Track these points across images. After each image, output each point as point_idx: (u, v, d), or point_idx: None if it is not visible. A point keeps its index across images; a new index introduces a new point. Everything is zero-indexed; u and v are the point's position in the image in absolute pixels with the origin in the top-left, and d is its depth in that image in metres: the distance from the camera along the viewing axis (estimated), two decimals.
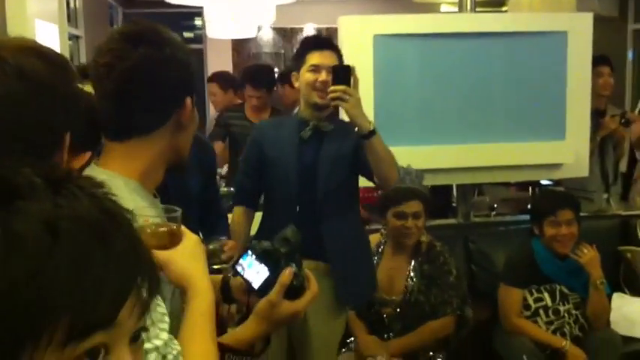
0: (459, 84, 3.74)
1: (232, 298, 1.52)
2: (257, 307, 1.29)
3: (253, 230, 2.70)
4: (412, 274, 2.96)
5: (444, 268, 2.96)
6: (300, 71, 2.53)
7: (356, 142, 2.49)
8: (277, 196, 2.60)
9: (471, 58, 3.75)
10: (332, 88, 2.36)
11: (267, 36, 8.20)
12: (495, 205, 4.74)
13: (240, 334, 1.30)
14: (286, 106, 4.66)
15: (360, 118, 2.37)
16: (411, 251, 2.99)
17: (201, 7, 5.18)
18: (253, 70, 4.64)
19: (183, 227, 1.14)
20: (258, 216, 2.73)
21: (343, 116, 2.64)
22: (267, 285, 1.27)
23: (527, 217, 3.82)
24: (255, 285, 1.28)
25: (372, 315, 3.00)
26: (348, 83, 2.36)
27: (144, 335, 0.62)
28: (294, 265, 1.28)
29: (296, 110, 2.92)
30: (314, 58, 2.49)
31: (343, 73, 2.39)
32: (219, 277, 1.52)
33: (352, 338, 2.97)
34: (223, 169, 4.45)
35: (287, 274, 1.26)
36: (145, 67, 1.14)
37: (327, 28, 6.73)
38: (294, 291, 1.27)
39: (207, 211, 2.42)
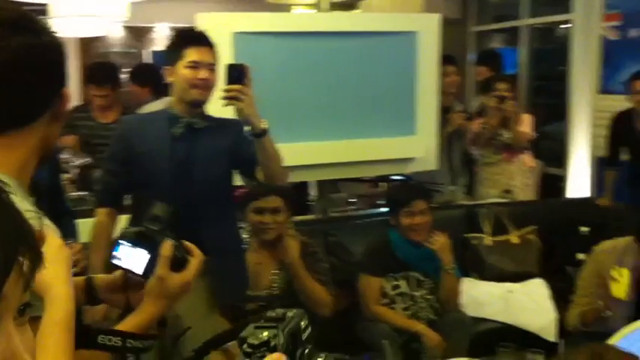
0: (315, 82, 3.83)
1: (98, 299, 1.48)
2: (147, 288, 1.28)
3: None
4: (277, 269, 3.01)
5: (315, 257, 3.04)
6: (175, 66, 2.47)
7: (234, 140, 2.50)
8: (148, 195, 2.54)
9: (327, 56, 3.86)
10: (227, 87, 2.35)
11: (118, 34, 7.95)
12: (353, 200, 4.91)
13: (136, 319, 1.28)
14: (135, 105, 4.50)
15: (254, 117, 2.39)
16: (274, 246, 3.02)
17: (45, 4, 4.91)
18: (95, 68, 4.46)
19: (45, 228, 1.09)
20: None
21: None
22: (151, 265, 1.26)
23: (382, 210, 4.01)
24: (139, 270, 1.27)
25: (237, 311, 3.01)
26: (242, 82, 2.36)
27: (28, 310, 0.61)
28: (170, 239, 1.28)
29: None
30: (193, 54, 2.44)
31: (237, 72, 2.38)
32: (82, 278, 1.47)
33: None
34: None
35: (167, 246, 1.27)
36: (25, 56, 1.09)
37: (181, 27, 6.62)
38: (178, 262, 1.27)
39: (51, 204, 2.30)
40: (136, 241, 1.28)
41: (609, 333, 2.75)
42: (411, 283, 3.19)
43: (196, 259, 1.32)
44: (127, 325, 1.27)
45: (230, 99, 2.36)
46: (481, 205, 4.24)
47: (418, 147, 4.09)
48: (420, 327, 3.10)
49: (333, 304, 3.07)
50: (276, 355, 0.76)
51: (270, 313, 0.85)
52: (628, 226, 3.11)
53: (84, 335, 1.15)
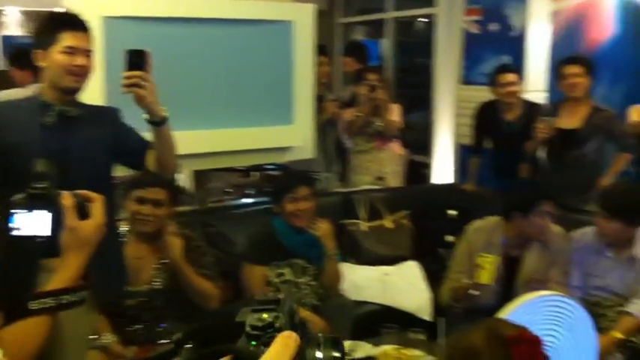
0: (189, 70, 3.75)
1: None
2: (63, 242, 1.27)
3: None
4: (158, 263, 2.92)
5: (199, 251, 2.98)
6: (47, 50, 2.30)
7: (112, 129, 2.38)
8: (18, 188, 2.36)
9: (200, 44, 3.78)
10: (128, 74, 2.22)
11: None
12: (229, 190, 4.86)
13: (63, 275, 1.29)
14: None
15: (156, 105, 2.28)
16: (154, 240, 2.93)
17: None
18: None
19: None
20: None
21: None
22: (56, 223, 1.24)
23: (263, 198, 4.00)
24: (45, 232, 1.23)
25: (115, 308, 2.89)
26: (143, 68, 2.24)
27: None
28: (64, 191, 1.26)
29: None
30: (68, 39, 2.28)
31: (138, 58, 2.25)
32: None
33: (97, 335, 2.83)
34: None
35: (66, 197, 1.26)
36: None
37: (32, 12, 6.23)
38: (82, 210, 1.28)
39: None
40: (31, 204, 1.24)
41: (483, 309, 2.94)
42: (296, 270, 3.21)
43: (97, 201, 1.34)
44: (55, 283, 1.26)
45: (130, 86, 2.24)
46: (356, 191, 4.34)
47: (295, 136, 4.12)
48: (304, 313, 3.12)
49: (219, 296, 3.04)
50: (287, 332, 0.74)
51: (262, 297, 0.83)
52: (492, 210, 3.31)
53: (15, 308, 1.13)
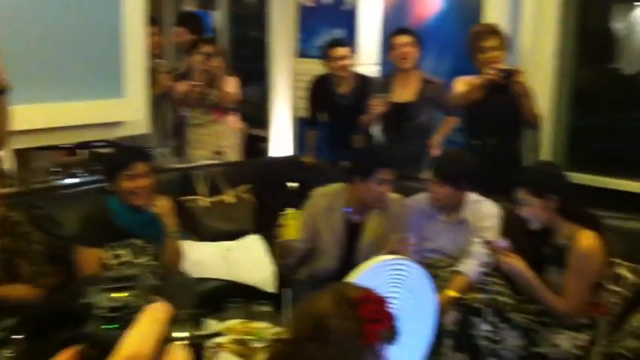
0: (5, 37, 3.42)
1: None
2: None
3: None
4: None
5: (28, 238, 2.74)
6: None
7: None
8: None
9: (18, 9, 3.46)
10: None
11: None
12: (57, 170, 4.54)
13: None
14: None
15: None
16: None
17: None
18: None
19: None
20: None
21: None
22: None
23: (93, 177, 3.77)
24: None
25: None
26: None
27: None
28: None
29: None
30: None
31: None
32: None
33: None
34: None
35: None
36: None
37: None
38: None
39: None
40: None
41: (327, 275, 2.98)
42: (134, 250, 3.05)
43: None
44: None
45: None
46: (194, 167, 4.22)
47: (127, 110, 3.91)
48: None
49: (49, 282, 2.83)
50: (157, 304, 0.64)
51: (113, 274, 0.71)
52: (331, 181, 3.35)
53: None
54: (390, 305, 1.66)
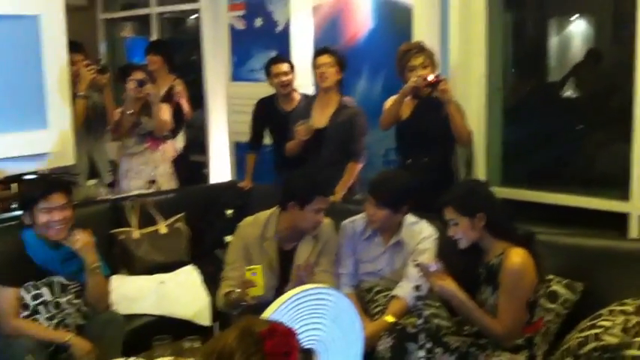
0: None
1: None
2: None
3: None
4: None
5: None
6: None
7: None
8: None
9: None
10: None
11: None
12: None
13: None
14: None
15: None
16: None
17: None
18: None
19: None
20: None
21: None
22: None
23: (14, 213, 3.60)
24: None
25: None
26: None
27: None
28: None
29: None
30: None
31: None
32: None
33: None
34: None
35: None
36: None
37: None
38: None
39: None
40: None
41: (262, 306, 2.87)
42: (55, 288, 2.90)
43: None
44: None
45: None
46: (126, 197, 4.07)
47: (51, 141, 3.78)
48: (67, 337, 2.83)
49: None
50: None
51: None
52: (270, 205, 3.26)
53: None
54: (309, 339, 1.59)
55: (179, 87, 4.76)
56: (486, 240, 2.61)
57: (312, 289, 2.02)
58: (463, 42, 3.83)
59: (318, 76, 3.90)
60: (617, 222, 3.44)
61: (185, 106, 4.81)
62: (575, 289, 2.75)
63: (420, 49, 3.55)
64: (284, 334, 1.50)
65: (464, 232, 2.60)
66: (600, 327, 2.48)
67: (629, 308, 2.53)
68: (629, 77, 3.38)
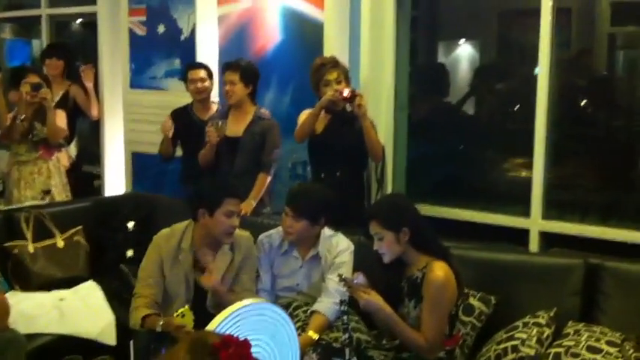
0: None
1: None
2: None
3: None
4: None
5: None
6: None
7: None
8: None
9: None
10: None
11: None
12: None
13: None
14: None
15: None
16: None
17: None
18: None
19: None
20: None
21: None
22: None
23: None
24: None
25: None
26: None
27: None
28: None
29: None
30: None
31: None
32: None
33: None
34: None
35: None
36: None
37: None
38: None
39: None
40: None
41: None
42: None
43: None
44: None
45: None
46: (20, 209, 3.81)
47: None
48: None
49: None
50: None
51: None
52: (176, 218, 3.16)
53: None
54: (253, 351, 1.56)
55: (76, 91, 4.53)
56: (410, 254, 2.66)
57: (252, 304, 1.97)
58: (373, 59, 3.91)
59: (225, 92, 3.87)
60: (517, 237, 3.61)
61: (94, 110, 4.60)
62: (488, 302, 2.86)
63: (335, 63, 3.59)
64: (239, 345, 1.47)
65: (388, 246, 2.64)
66: (517, 339, 2.59)
67: (542, 320, 2.67)
68: (528, 97, 3.57)
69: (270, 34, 4.36)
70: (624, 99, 4.23)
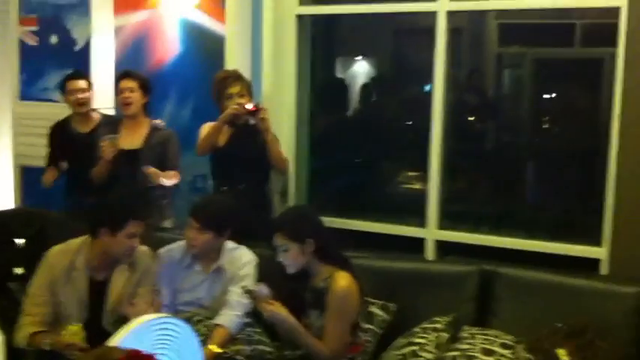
0: None
1: None
2: None
3: None
4: None
5: None
6: None
7: None
8: None
9: None
10: None
11: None
12: None
13: None
14: None
15: None
16: None
17: None
18: None
19: None
20: None
21: None
22: None
23: None
24: None
25: None
26: None
27: None
28: None
29: None
30: None
31: None
32: None
33: None
34: None
35: None
36: None
37: None
38: None
39: None
40: None
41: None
42: None
43: None
44: None
45: None
46: None
47: None
48: None
49: None
50: None
51: None
52: (67, 234, 3.05)
53: None
54: None
55: None
56: (314, 265, 2.69)
57: (156, 318, 1.94)
58: (275, 73, 3.93)
59: (121, 101, 3.78)
60: (414, 246, 3.71)
61: None
62: (388, 309, 2.93)
63: (238, 77, 3.59)
64: (144, 359, 1.44)
65: (293, 257, 2.66)
66: (416, 344, 2.67)
67: (440, 325, 2.76)
68: (423, 113, 3.69)
69: (169, 47, 4.30)
70: (511, 116, 4.48)
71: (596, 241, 3.25)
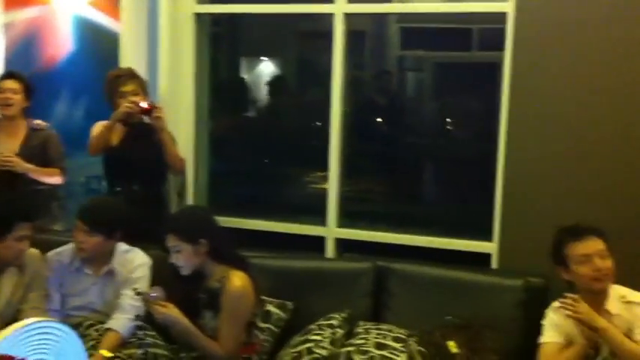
0: None
1: None
2: None
3: None
4: None
5: None
6: None
7: None
8: None
9: None
10: None
11: None
12: None
13: None
14: None
15: None
16: None
17: None
18: None
19: None
20: None
21: None
22: None
23: None
24: None
25: None
26: None
27: None
28: None
29: None
30: None
31: None
32: None
33: None
34: None
35: None
36: None
37: None
38: None
39: None
40: None
41: None
42: None
43: None
44: None
45: None
46: None
47: None
48: None
49: None
50: None
51: None
52: None
53: None
54: None
55: None
56: (208, 265, 2.65)
57: (35, 322, 1.86)
58: (172, 72, 3.85)
59: (1, 101, 3.62)
60: (316, 245, 3.73)
61: None
62: (285, 308, 2.93)
63: (132, 75, 3.50)
64: None
65: (186, 258, 2.61)
66: (312, 341, 2.68)
67: (336, 322, 2.78)
68: (324, 115, 3.71)
69: (61, 44, 4.15)
70: (412, 118, 4.57)
71: (487, 237, 3.35)
